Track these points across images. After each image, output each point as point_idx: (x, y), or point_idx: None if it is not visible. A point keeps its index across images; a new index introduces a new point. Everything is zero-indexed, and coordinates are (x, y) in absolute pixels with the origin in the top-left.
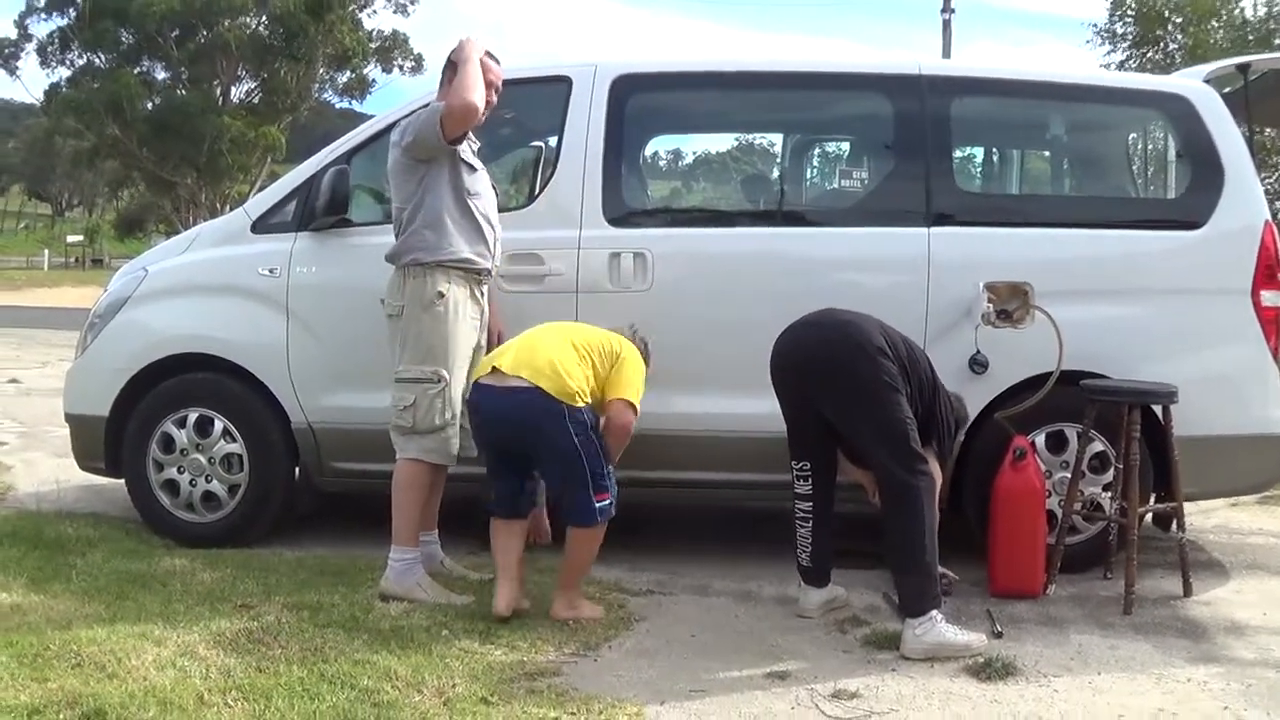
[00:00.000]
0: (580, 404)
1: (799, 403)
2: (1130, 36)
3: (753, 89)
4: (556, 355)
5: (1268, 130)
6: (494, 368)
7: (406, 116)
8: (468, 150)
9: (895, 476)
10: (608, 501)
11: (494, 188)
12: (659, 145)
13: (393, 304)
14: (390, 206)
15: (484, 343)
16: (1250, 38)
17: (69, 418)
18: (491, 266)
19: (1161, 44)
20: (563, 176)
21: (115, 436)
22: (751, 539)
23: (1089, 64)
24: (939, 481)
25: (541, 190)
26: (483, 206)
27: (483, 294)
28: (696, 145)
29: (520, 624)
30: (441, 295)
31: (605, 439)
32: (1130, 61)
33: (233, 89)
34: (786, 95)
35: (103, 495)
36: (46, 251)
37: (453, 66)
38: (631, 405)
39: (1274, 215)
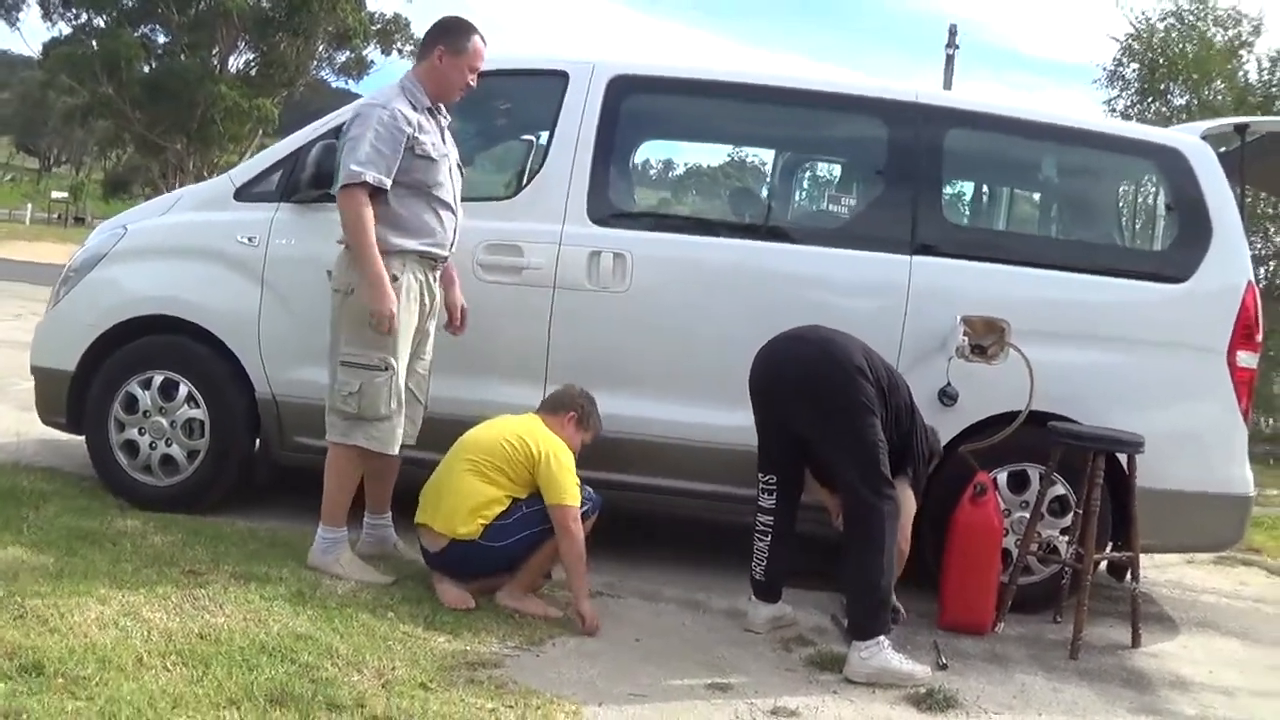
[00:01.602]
0: (488, 524)
1: (773, 415)
2: (1136, 84)
3: (749, 101)
4: (455, 496)
5: (1263, 195)
6: (422, 525)
7: (359, 110)
8: (428, 142)
9: (860, 498)
10: (585, 509)
11: (460, 169)
12: (650, 149)
13: (341, 280)
14: None
15: (432, 330)
16: (1252, 101)
17: (35, 370)
18: (448, 253)
19: (1166, 97)
20: (550, 171)
21: (79, 393)
22: (707, 549)
23: (1091, 109)
24: (911, 511)
25: (528, 183)
26: (443, 195)
27: (436, 279)
28: (687, 152)
29: (466, 614)
30: (395, 280)
31: (560, 546)
32: (1133, 109)
33: (231, 59)
34: (782, 111)
35: (61, 451)
36: (30, 205)
37: (432, 40)
38: (566, 507)
39: (1263, 278)
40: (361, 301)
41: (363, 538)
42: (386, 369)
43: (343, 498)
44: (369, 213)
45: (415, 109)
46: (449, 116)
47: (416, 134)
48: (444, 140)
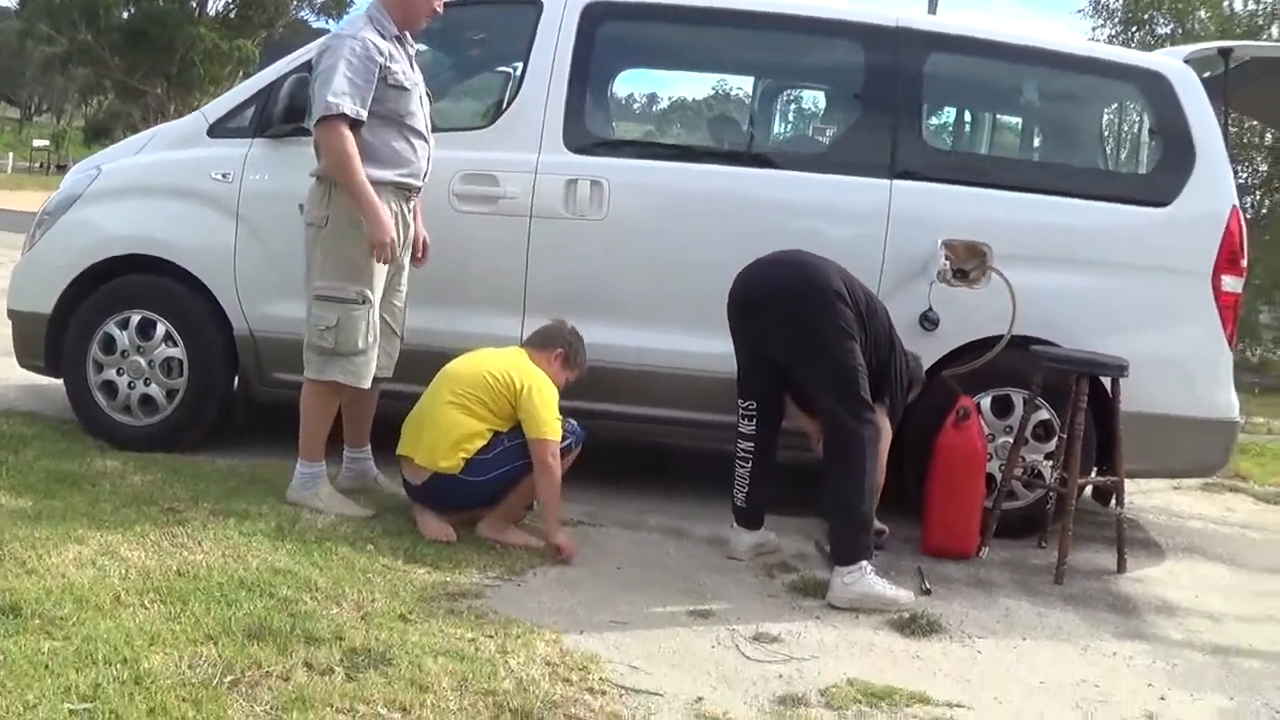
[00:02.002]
0: (470, 458)
1: (752, 341)
2: (1120, 14)
3: (726, 27)
4: (436, 430)
5: (1248, 123)
6: (404, 456)
7: (329, 42)
8: (399, 71)
9: (841, 423)
10: (567, 443)
11: (429, 96)
12: (625, 77)
13: (315, 213)
14: None
15: (406, 263)
16: (1238, 30)
17: (11, 314)
18: (422, 183)
19: (1149, 26)
20: (525, 100)
21: (57, 335)
22: (689, 477)
23: (1075, 36)
24: (887, 437)
25: (504, 112)
26: (416, 124)
27: (410, 210)
28: (664, 80)
29: (447, 546)
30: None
31: (537, 480)
32: (1117, 39)
33: (210, 1)
34: (760, 36)
35: (41, 395)
36: (11, 155)
37: None
38: (546, 441)
39: (1249, 208)
40: (337, 234)
41: (343, 472)
42: (363, 302)
43: (320, 432)
44: (353, 144)
45: (384, 38)
46: (415, 45)
47: (388, 63)
48: (413, 68)
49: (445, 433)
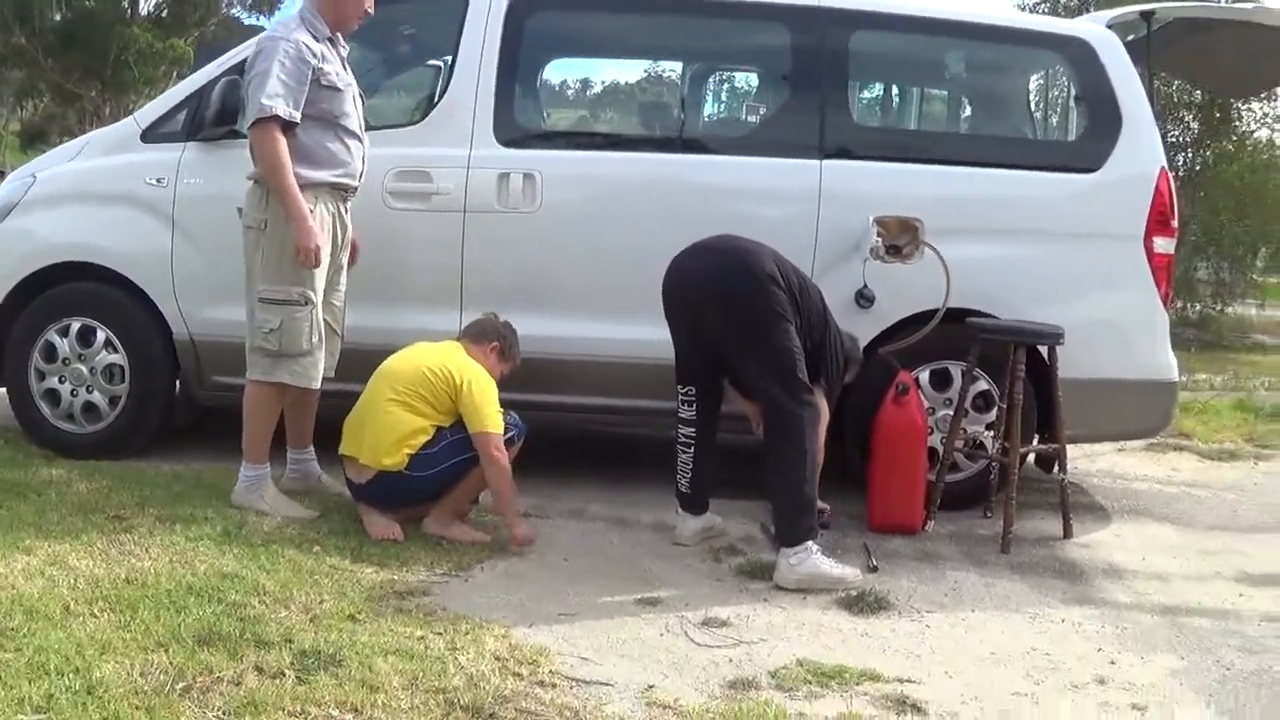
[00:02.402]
0: (414, 454)
1: (688, 327)
2: None
3: (653, 14)
4: (379, 428)
5: (1174, 84)
6: (347, 456)
7: (261, 45)
8: (332, 72)
9: (780, 405)
10: (509, 435)
11: (362, 97)
12: (555, 67)
13: (254, 216)
14: None
15: (344, 262)
16: None
17: None
18: (358, 183)
19: None
20: (455, 94)
21: None
22: (632, 466)
23: (1001, 4)
24: (825, 416)
25: (434, 107)
26: (350, 124)
27: (347, 210)
28: (593, 69)
29: (393, 544)
30: (311, 212)
31: (487, 474)
32: (1044, 4)
33: (141, 1)
34: (687, 21)
35: None
36: None
37: None
38: (489, 434)
39: (1182, 165)
40: (276, 237)
41: (286, 473)
42: (306, 303)
43: (264, 434)
44: (284, 147)
45: (317, 39)
46: (346, 46)
47: (321, 64)
48: (345, 69)
49: (388, 431)
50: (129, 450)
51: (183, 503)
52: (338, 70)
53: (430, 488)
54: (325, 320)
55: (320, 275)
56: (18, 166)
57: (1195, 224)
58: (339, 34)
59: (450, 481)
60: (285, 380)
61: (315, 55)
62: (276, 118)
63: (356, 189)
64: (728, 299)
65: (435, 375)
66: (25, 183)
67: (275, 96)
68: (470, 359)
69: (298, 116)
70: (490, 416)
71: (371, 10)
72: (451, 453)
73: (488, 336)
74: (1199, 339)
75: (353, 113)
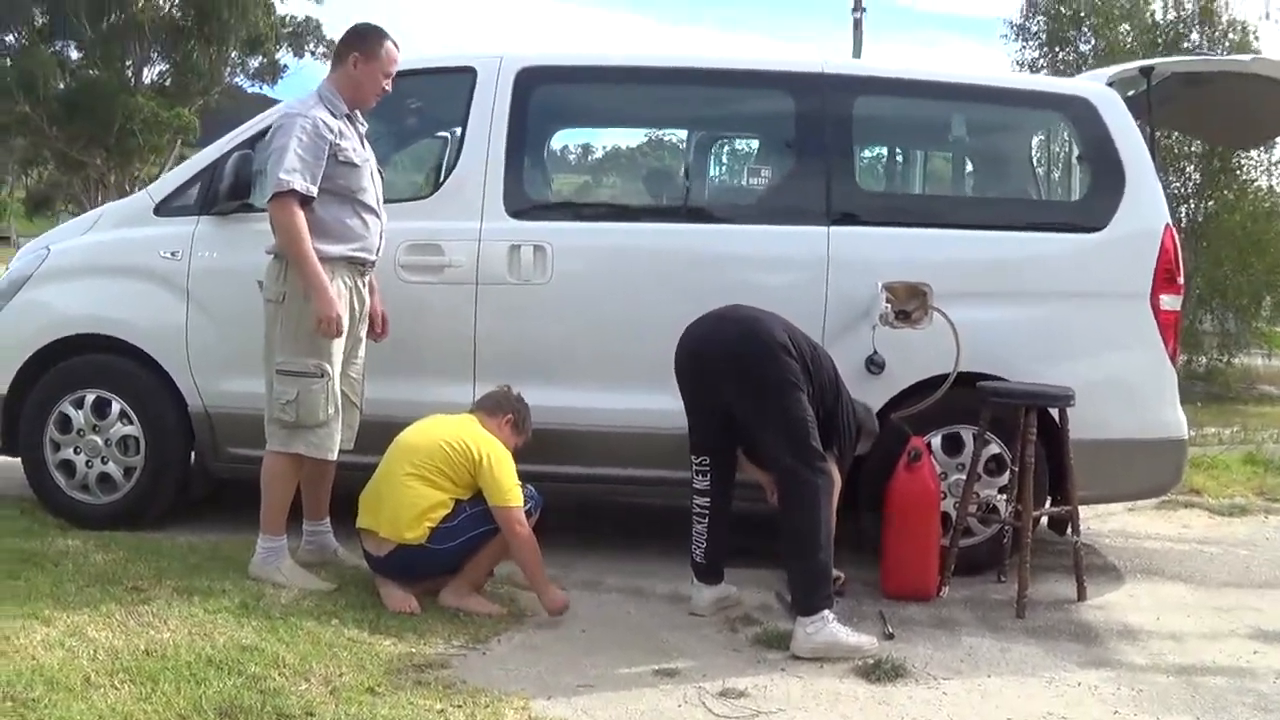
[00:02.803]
0: (435, 527)
1: (701, 397)
2: (1043, 35)
3: (658, 84)
4: (399, 502)
5: (1174, 135)
6: (365, 530)
7: (280, 121)
8: (349, 148)
9: (794, 473)
10: (527, 508)
11: (380, 173)
12: (563, 138)
13: (273, 290)
14: None
15: (363, 335)
16: (1159, 41)
17: None
18: (374, 257)
19: (1073, 44)
20: (465, 167)
21: (13, 415)
22: (646, 535)
23: (999, 62)
24: (837, 485)
25: (444, 181)
26: (367, 200)
27: (365, 284)
28: (600, 139)
29: (411, 616)
30: (329, 284)
31: (513, 548)
32: (1042, 60)
33: (145, 70)
34: (691, 91)
35: None
36: None
37: (346, 47)
38: (511, 508)
39: (1185, 217)
40: (294, 310)
41: (303, 545)
42: (322, 375)
43: (282, 505)
44: (303, 220)
45: (335, 116)
46: (365, 123)
47: (338, 140)
48: (363, 145)
49: (409, 505)
50: (145, 521)
51: (200, 574)
52: (355, 146)
53: (450, 560)
54: (343, 392)
55: (337, 347)
56: (24, 234)
57: (1199, 275)
58: (357, 111)
59: (469, 554)
60: (301, 451)
61: (332, 131)
62: (294, 192)
63: (374, 263)
64: (740, 368)
65: (453, 449)
66: (39, 255)
67: (293, 171)
68: (485, 431)
69: (315, 191)
70: (511, 490)
71: (389, 88)
72: (471, 525)
73: (502, 409)
74: (1206, 392)
75: (370, 188)
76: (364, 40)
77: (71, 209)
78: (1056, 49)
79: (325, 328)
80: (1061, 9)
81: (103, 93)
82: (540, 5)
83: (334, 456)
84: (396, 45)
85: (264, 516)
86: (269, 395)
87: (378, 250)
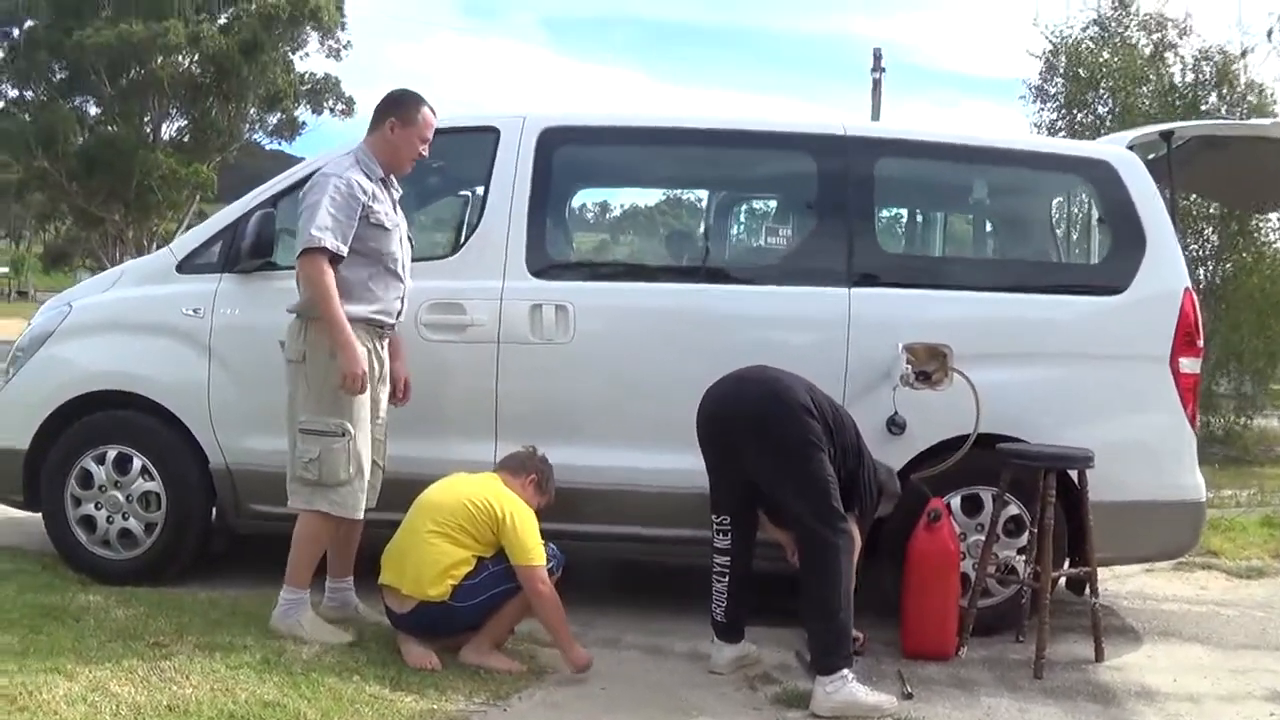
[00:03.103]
0: (457, 585)
1: (723, 457)
2: (1061, 98)
3: (679, 145)
4: (422, 559)
5: (1192, 197)
6: (388, 586)
7: (313, 175)
8: (382, 211)
9: (814, 533)
10: (550, 566)
11: (410, 239)
12: (584, 198)
13: (294, 349)
14: None
15: (383, 396)
16: (1178, 104)
17: None
18: (395, 321)
19: (1091, 107)
20: (487, 227)
21: (34, 470)
22: (666, 594)
23: (1017, 123)
24: (858, 544)
25: (466, 240)
26: (394, 264)
27: (384, 347)
28: (622, 199)
29: (432, 673)
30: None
31: (536, 607)
32: (1060, 123)
33: (163, 126)
34: (712, 152)
35: (20, 529)
36: None
37: (383, 112)
38: (534, 567)
39: (1203, 279)
40: (316, 368)
41: (325, 601)
42: (343, 434)
43: (310, 560)
44: (332, 278)
45: (370, 179)
46: (399, 189)
47: (371, 203)
48: (395, 210)
49: (432, 563)
50: (166, 577)
51: (221, 630)
52: (388, 210)
53: (472, 617)
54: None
55: (360, 406)
56: (42, 288)
57: (1216, 338)
58: (392, 176)
59: (491, 611)
60: (324, 509)
61: (366, 193)
62: (324, 249)
63: (393, 327)
64: (762, 429)
65: (476, 507)
66: (61, 311)
67: (324, 229)
68: (509, 490)
69: (345, 250)
70: (534, 549)
71: (425, 153)
72: (494, 583)
73: (525, 469)
74: (1224, 454)
75: (398, 253)
76: (401, 106)
77: (89, 264)
78: (1075, 111)
79: (350, 384)
80: (1080, 71)
81: (122, 148)
82: (560, 65)
83: (358, 515)
84: (434, 110)
85: (290, 569)
86: (291, 453)
87: (399, 315)
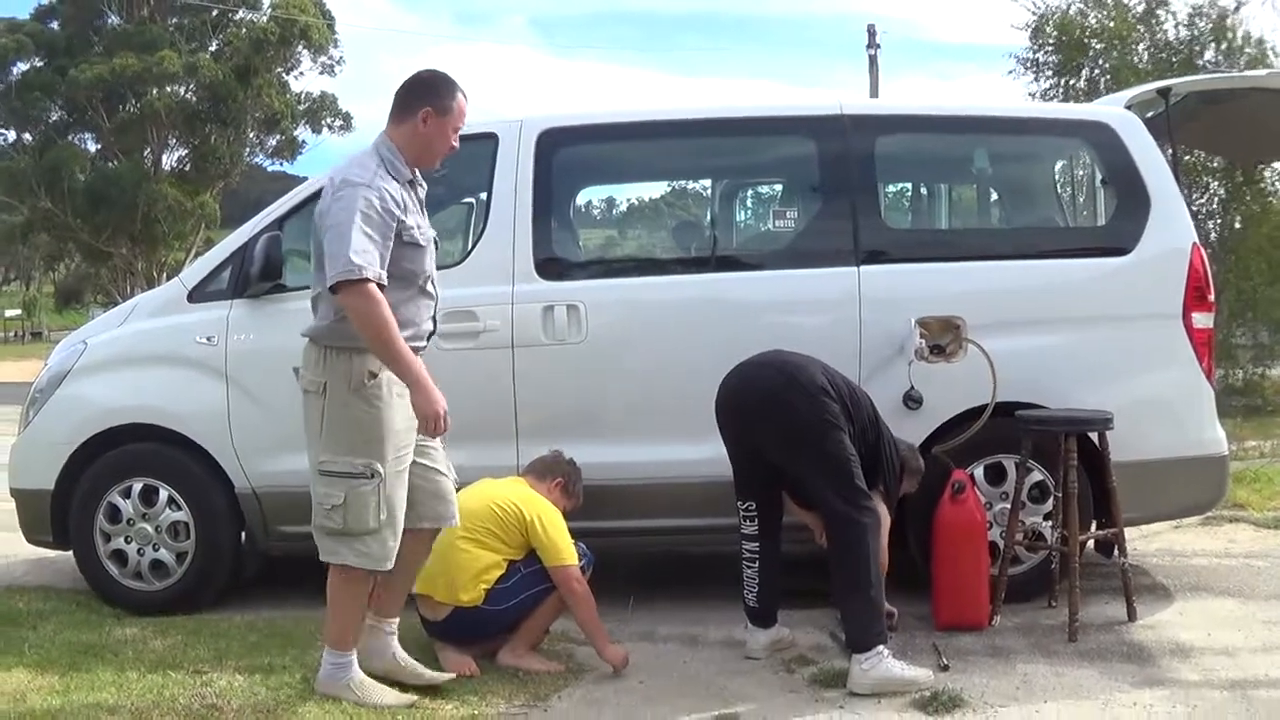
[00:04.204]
0: (490, 588)
1: (744, 443)
2: (1052, 65)
3: (677, 137)
4: (454, 565)
5: (1195, 152)
6: (422, 595)
7: (333, 182)
8: (414, 225)
9: (841, 513)
10: (580, 565)
11: (436, 241)
12: (587, 196)
13: (311, 379)
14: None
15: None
16: (1173, 60)
17: (14, 492)
18: (426, 344)
19: (1084, 70)
20: (493, 232)
21: (61, 509)
22: (697, 583)
23: (1015, 94)
24: (886, 521)
25: (473, 247)
26: (427, 284)
27: None
28: (625, 195)
29: (470, 678)
30: (374, 376)
31: (572, 607)
32: (1054, 90)
33: (164, 157)
34: (711, 141)
35: (52, 567)
36: None
37: (414, 99)
38: (567, 567)
39: (1212, 232)
40: (336, 401)
41: (365, 641)
42: (372, 476)
43: (348, 619)
44: (386, 307)
45: (399, 183)
46: (425, 185)
47: (404, 217)
48: (423, 214)
49: (464, 568)
50: (200, 604)
51: (260, 652)
52: (419, 221)
53: (507, 620)
54: (424, 466)
55: (390, 445)
56: (55, 327)
57: (1229, 290)
58: (418, 173)
59: (525, 613)
60: (351, 562)
61: (399, 206)
62: (367, 280)
63: (425, 346)
64: (781, 412)
65: (504, 511)
66: (76, 350)
67: (363, 253)
68: (535, 493)
69: (385, 277)
70: (565, 549)
71: (457, 146)
72: (526, 585)
73: (552, 473)
74: (1245, 405)
75: (432, 270)
76: (435, 93)
77: (102, 300)
78: (1068, 77)
79: (432, 426)
80: (1063, 37)
81: (125, 183)
82: (555, 65)
83: (388, 567)
84: (467, 97)
85: (328, 631)
86: (314, 497)
87: (429, 336)
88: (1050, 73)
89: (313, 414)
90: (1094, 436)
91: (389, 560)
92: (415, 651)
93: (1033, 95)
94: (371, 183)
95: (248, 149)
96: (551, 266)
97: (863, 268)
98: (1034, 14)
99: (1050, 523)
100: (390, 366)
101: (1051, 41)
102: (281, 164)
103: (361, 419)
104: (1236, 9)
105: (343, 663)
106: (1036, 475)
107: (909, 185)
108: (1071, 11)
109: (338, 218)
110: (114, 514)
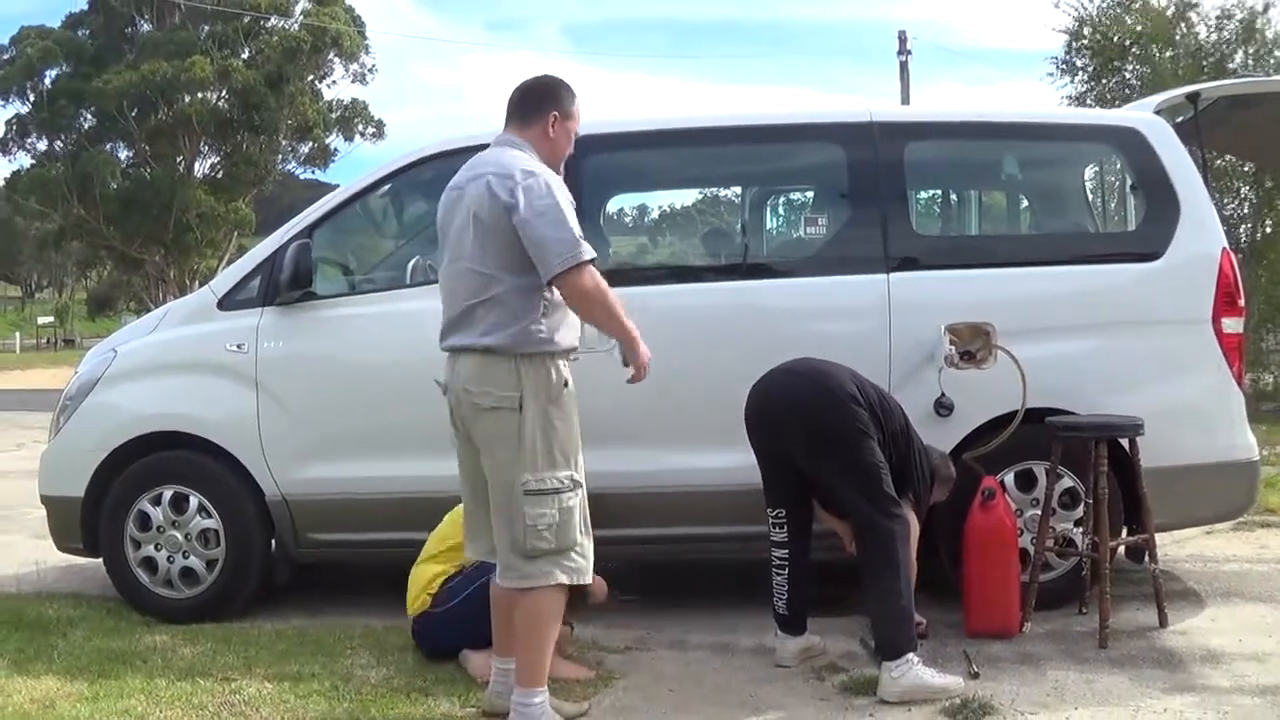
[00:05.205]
0: (434, 593)
1: (773, 451)
2: (1088, 69)
3: (707, 145)
4: (411, 584)
5: (1227, 156)
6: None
7: (525, 181)
8: None
9: (871, 521)
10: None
11: None
12: (617, 204)
13: (503, 395)
14: (354, 278)
15: None
16: (1204, 64)
17: (45, 499)
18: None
19: (1119, 74)
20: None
21: (92, 516)
22: (727, 591)
23: (1047, 98)
24: (916, 529)
25: None
26: None
27: None
28: (655, 202)
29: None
30: (567, 384)
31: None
32: (1089, 94)
33: (196, 164)
34: (742, 149)
35: (82, 574)
36: (18, 334)
37: (543, 103)
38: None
39: (1243, 237)
40: (536, 414)
41: (491, 686)
42: (575, 487)
43: (548, 649)
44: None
45: None
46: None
47: None
48: None
49: (414, 583)
50: (230, 612)
51: (289, 660)
52: None
53: (459, 617)
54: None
55: (579, 450)
56: (87, 334)
57: (1259, 295)
58: None
59: (474, 610)
60: (563, 580)
61: None
62: (590, 261)
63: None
64: (811, 420)
65: (456, 525)
66: (106, 358)
67: (581, 238)
68: None
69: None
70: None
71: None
72: (467, 583)
73: None
74: (1276, 410)
75: None
76: (557, 97)
77: (134, 306)
78: (1104, 80)
79: (645, 374)
80: (1102, 39)
81: (158, 189)
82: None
83: (589, 579)
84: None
85: (528, 667)
86: (512, 524)
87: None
88: (1085, 76)
89: (507, 432)
90: (1124, 442)
91: (590, 571)
92: (450, 663)
93: (1068, 99)
94: (544, 170)
95: (280, 157)
96: None
97: (893, 275)
98: (1074, 18)
99: (1081, 529)
100: (620, 336)
101: (1089, 45)
102: (314, 171)
103: (560, 429)
104: (1265, 10)
105: (537, 702)
106: (1067, 481)
107: (939, 192)
108: (1108, 14)
109: (544, 201)
110: (144, 521)
